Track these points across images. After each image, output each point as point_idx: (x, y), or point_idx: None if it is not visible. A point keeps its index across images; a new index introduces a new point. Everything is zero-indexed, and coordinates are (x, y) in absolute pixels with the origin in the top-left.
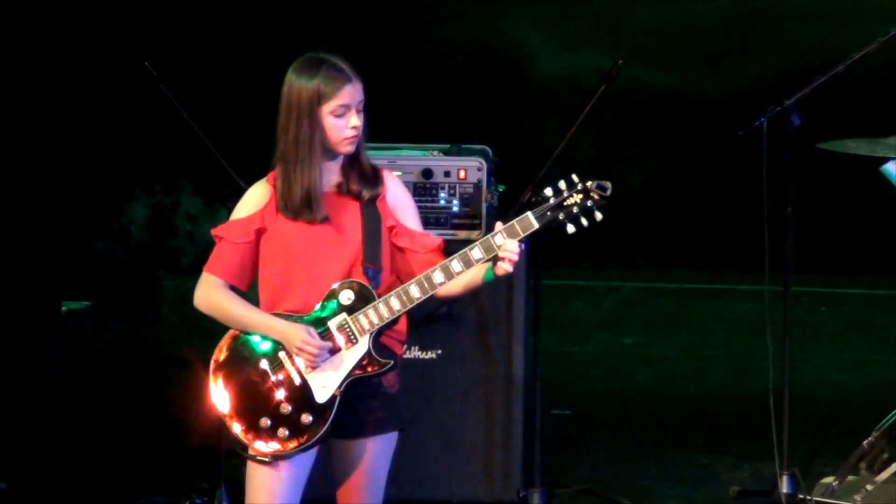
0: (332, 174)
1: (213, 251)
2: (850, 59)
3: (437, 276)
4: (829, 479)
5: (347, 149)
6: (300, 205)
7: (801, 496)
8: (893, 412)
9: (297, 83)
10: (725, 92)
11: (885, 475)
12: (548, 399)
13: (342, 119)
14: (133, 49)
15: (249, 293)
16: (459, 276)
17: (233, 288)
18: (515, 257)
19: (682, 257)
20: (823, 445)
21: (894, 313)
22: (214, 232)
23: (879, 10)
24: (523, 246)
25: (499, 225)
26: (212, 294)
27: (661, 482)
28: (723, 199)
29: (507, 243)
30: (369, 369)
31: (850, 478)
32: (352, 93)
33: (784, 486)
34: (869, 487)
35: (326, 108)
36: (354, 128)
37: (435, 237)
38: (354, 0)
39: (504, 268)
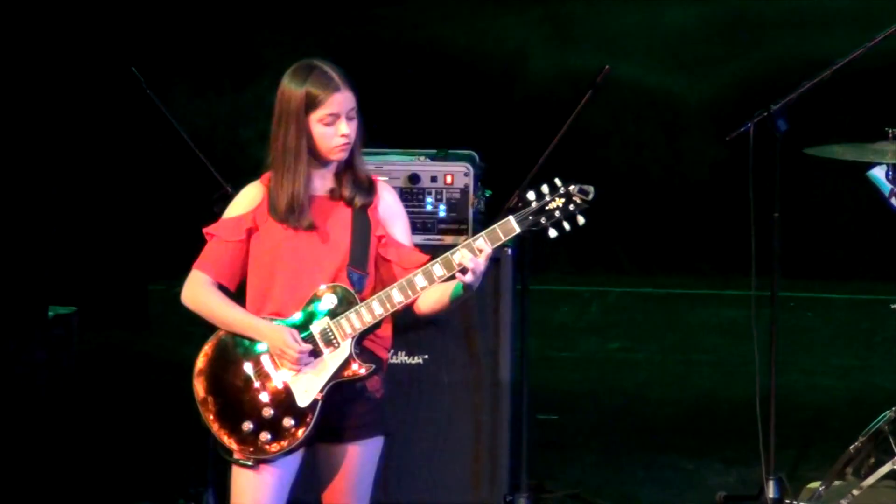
0: (325, 180)
1: (204, 249)
2: (836, 65)
3: (420, 280)
4: (815, 484)
5: (338, 156)
6: (285, 211)
7: (787, 501)
8: (879, 417)
9: (288, 89)
10: (712, 96)
11: (871, 480)
12: (534, 404)
13: (331, 127)
14: (121, 54)
15: (237, 295)
16: (441, 279)
17: (222, 287)
18: (472, 264)
19: (668, 262)
20: (810, 450)
21: (881, 318)
22: (206, 230)
23: (865, 16)
24: (479, 263)
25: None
26: (199, 291)
27: (647, 487)
28: (709, 203)
29: (464, 255)
30: (352, 373)
31: (837, 483)
32: (340, 101)
33: (771, 491)
34: (855, 492)
35: (315, 117)
36: (344, 136)
37: (422, 254)
38: (342, 3)
39: (466, 278)
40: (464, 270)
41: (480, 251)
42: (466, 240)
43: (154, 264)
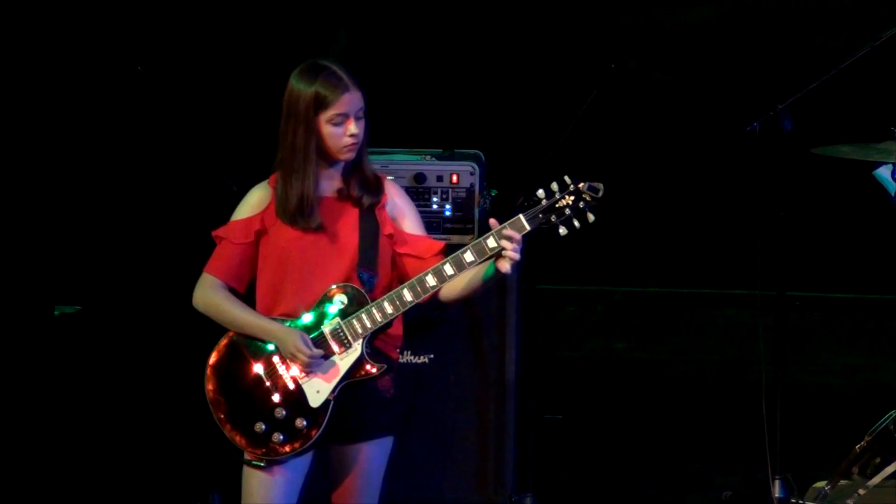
0: (332, 180)
1: (214, 252)
2: (842, 64)
3: (430, 280)
4: (821, 484)
5: (347, 156)
6: (295, 211)
7: (793, 501)
8: (886, 416)
9: (296, 90)
10: (718, 95)
11: (877, 479)
12: (540, 403)
13: (340, 127)
14: (127, 53)
15: (247, 295)
16: (452, 278)
17: (232, 289)
18: (516, 255)
19: (674, 262)
20: (816, 450)
21: (886, 318)
22: (215, 233)
23: (871, 15)
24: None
25: (493, 223)
26: (210, 295)
27: (653, 487)
28: (715, 203)
29: (505, 241)
30: (363, 373)
31: (843, 482)
32: (350, 101)
33: (777, 491)
34: (861, 492)
35: (324, 117)
36: (353, 136)
37: (436, 241)
38: (347, 2)
39: (503, 266)
40: (498, 256)
41: (494, 248)
42: (475, 239)
43: (159, 264)
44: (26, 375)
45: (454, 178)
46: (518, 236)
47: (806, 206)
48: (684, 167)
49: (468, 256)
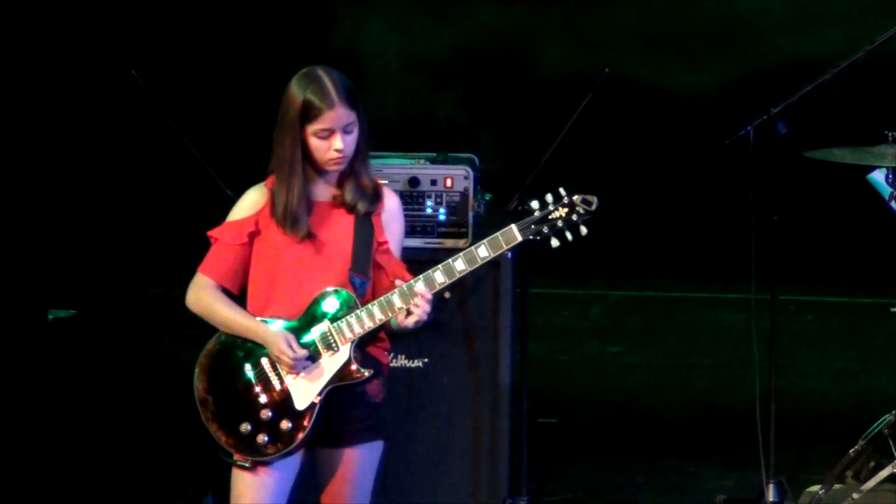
0: (327, 185)
1: (208, 252)
2: (837, 68)
3: (420, 286)
4: (815, 488)
5: (333, 168)
6: (281, 219)
7: None
8: (880, 420)
9: (291, 94)
10: (712, 99)
11: (871, 483)
12: (534, 407)
13: (325, 141)
14: (121, 57)
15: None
16: (441, 286)
17: (225, 290)
18: (424, 315)
19: (668, 265)
20: (810, 454)
21: (880, 322)
22: (210, 233)
23: (865, 17)
24: (428, 309)
25: (399, 283)
26: (203, 295)
27: (647, 490)
28: (709, 207)
29: (418, 298)
30: (350, 377)
31: (837, 486)
32: (335, 117)
33: (770, 495)
34: (855, 496)
35: (310, 129)
36: (338, 150)
37: (406, 272)
38: (344, 4)
39: (408, 321)
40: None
41: (416, 294)
42: (468, 244)
43: (154, 268)
44: (21, 379)
45: (448, 182)
46: (429, 295)
47: (800, 209)
48: (679, 170)
49: (459, 264)
